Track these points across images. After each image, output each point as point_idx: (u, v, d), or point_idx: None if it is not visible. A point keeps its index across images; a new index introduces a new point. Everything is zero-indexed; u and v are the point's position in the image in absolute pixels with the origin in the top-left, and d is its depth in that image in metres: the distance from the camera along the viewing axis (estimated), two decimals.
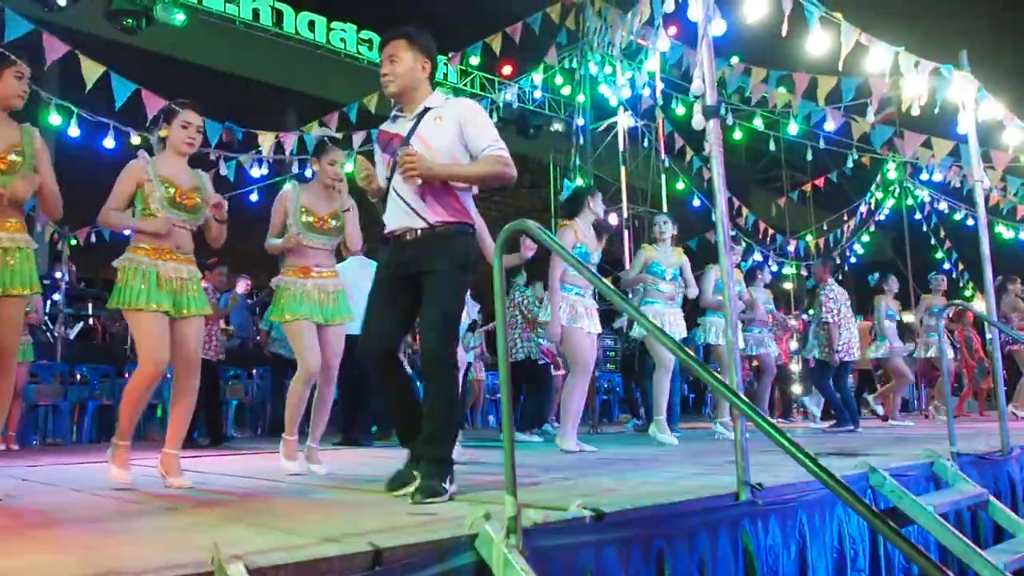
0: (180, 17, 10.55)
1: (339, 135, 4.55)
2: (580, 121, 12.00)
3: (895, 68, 5.69)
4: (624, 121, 11.35)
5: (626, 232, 10.74)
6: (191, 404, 3.65)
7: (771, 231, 14.67)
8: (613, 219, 11.78)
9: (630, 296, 6.17)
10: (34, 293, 3.24)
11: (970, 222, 12.16)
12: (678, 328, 6.18)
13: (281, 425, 4.25)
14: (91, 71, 7.18)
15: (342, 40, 12.81)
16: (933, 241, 15.56)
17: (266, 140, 9.41)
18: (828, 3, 5.54)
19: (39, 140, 3.33)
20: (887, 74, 5.73)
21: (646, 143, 12.63)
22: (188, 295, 3.59)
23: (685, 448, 5.46)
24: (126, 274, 3.47)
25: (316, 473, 4.05)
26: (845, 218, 15.61)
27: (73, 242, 10.41)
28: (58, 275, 10.44)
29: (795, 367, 12.10)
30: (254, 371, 9.96)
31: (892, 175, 14.35)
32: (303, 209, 4.19)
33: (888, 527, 1.64)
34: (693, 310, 7.23)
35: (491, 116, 12.13)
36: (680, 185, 12.70)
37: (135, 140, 7.86)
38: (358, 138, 9.81)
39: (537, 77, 11.92)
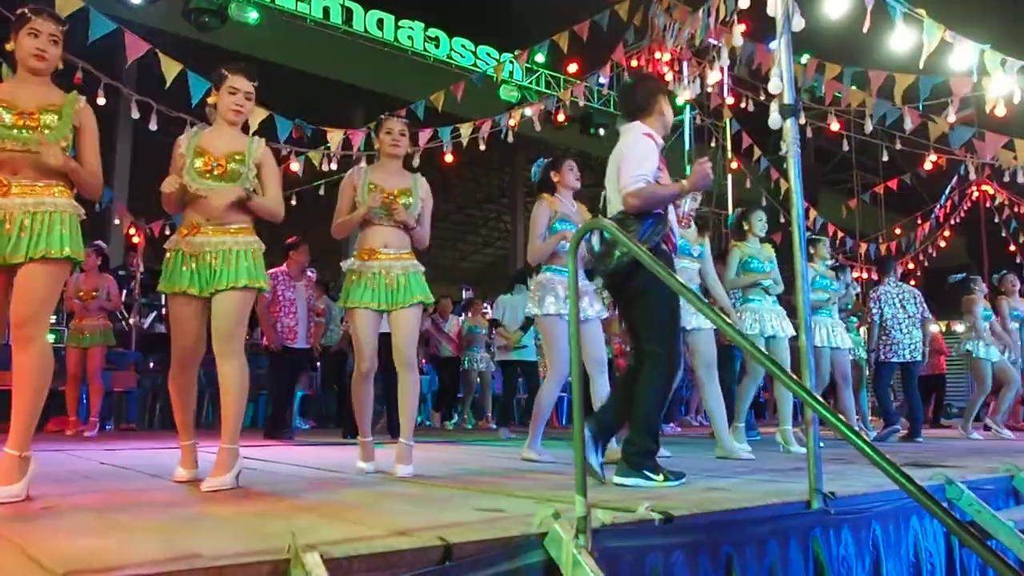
0: (253, 15, 10.81)
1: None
2: None
3: (980, 66, 5.50)
4: (690, 119, 11.24)
5: None
6: (236, 394, 3.25)
7: (840, 234, 14.36)
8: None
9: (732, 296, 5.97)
10: (70, 258, 2.85)
11: None
12: (785, 326, 5.92)
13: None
14: (170, 68, 7.38)
15: (409, 38, 12.96)
16: (1012, 246, 15.02)
17: (334, 136, 9.55)
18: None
19: (82, 104, 3.07)
20: (974, 73, 5.54)
21: (713, 142, 12.48)
22: (218, 268, 3.25)
23: (755, 453, 5.36)
24: (167, 254, 3.33)
25: (395, 473, 3.78)
26: (919, 221, 15.19)
27: (148, 233, 10.72)
28: (133, 266, 10.78)
29: (866, 371, 11.80)
30: (317, 363, 10.13)
31: (971, 177, 13.88)
32: (371, 186, 3.94)
33: (975, 539, 1.59)
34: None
35: (557, 114, 12.19)
36: (748, 185, 12.52)
37: None
38: (424, 135, 9.89)
39: (604, 75, 11.85)
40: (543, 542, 2.04)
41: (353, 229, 4.00)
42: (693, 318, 5.09)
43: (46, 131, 2.90)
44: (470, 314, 10.41)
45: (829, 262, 7.13)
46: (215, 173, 3.30)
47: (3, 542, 1.92)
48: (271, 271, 6.86)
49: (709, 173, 3.44)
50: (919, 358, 7.65)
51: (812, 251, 6.71)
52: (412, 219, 3.97)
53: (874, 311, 7.69)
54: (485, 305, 10.89)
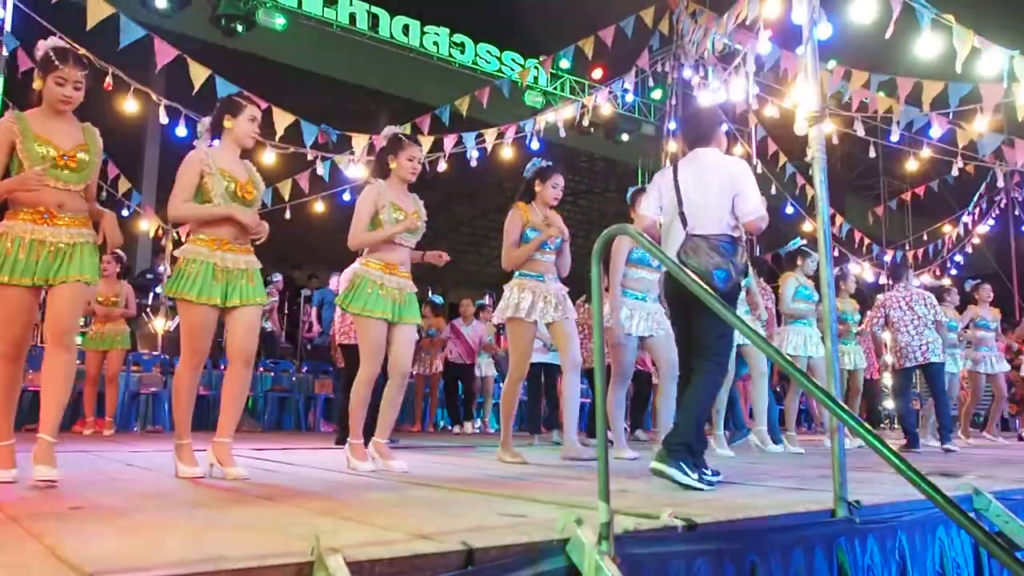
0: (280, 21, 10.91)
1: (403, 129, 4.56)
2: (672, 125, 11.88)
3: (1010, 72, 5.43)
4: None
5: None
6: (243, 393, 3.68)
7: (867, 240, 14.22)
8: None
9: None
10: (92, 283, 3.27)
11: None
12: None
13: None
14: (198, 74, 7.46)
15: (435, 44, 13.02)
16: None
17: (359, 141, 9.61)
18: (938, 4, 5.32)
19: (98, 137, 3.40)
20: (1004, 79, 5.47)
21: (738, 147, 12.41)
22: (240, 285, 3.59)
23: (778, 461, 5.33)
24: (186, 264, 3.51)
25: (393, 470, 4.02)
26: (946, 228, 15.02)
27: (175, 237, 10.82)
28: (160, 269, 10.90)
29: (888, 381, 11.69)
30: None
31: (1000, 184, 13.70)
32: (394, 205, 4.19)
33: (1003, 550, 1.57)
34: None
35: (582, 120, 12.17)
36: (773, 191, 12.43)
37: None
38: (449, 140, 9.92)
39: (629, 81, 11.84)
40: (565, 548, 2.03)
41: (374, 244, 4.22)
42: (642, 325, 5.33)
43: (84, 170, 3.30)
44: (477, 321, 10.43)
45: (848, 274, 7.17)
46: (244, 198, 3.63)
47: (31, 542, 1.95)
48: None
49: None
50: (934, 359, 7.21)
51: (800, 263, 6.74)
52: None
53: (876, 319, 7.53)
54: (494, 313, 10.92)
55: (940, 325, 7.42)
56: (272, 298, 10.99)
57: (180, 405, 3.62)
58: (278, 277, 11.31)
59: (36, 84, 3.26)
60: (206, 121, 3.80)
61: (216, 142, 3.75)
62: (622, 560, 1.99)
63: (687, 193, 3.76)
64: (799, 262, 6.81)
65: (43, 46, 3.25)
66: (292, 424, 10.10)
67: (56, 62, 3.19)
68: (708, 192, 3.71)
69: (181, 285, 3.49)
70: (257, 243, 3.71)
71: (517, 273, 4.96)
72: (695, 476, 3.40)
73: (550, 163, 5.07)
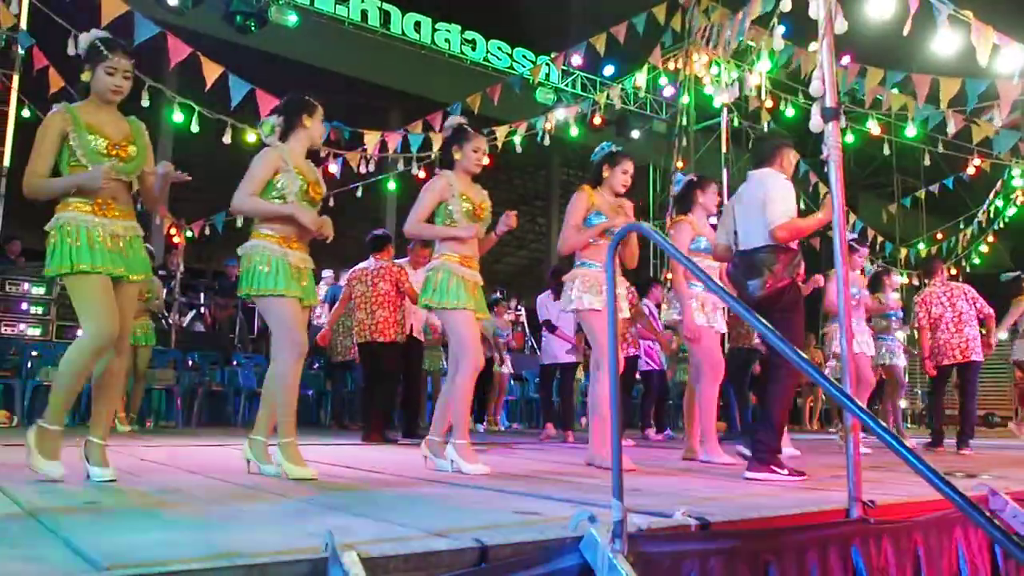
0: (292, 18, 10.93)
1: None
2: (684, 122, 11.85)
3: None
4: (728, 122, 11.16)
5: None
6: (296, 390, 3.54)
7: (880, 238, 14.14)
8: (713, 221, 11.58)
9: None
10: (147, 279, 3.35)
11: None
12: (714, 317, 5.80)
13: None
14: (211, 71, 7.48)
15: (447, 41, 13.02)
16: None
17: (371, 139, 9.61)
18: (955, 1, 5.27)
19: (145, 131, 3.39)
20: (1015, 76, 5.41)
21: (750, 144, 12.37)
22: (310, 285, 3.61)
23: (792, 460, 5.29)
24: (262, 261, 3.45)
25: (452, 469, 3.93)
26: (961, 226, 14.91)
27: (188, 234, 10.85)
28: (173, 265, 10.93)
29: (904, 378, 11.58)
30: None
31: (1016, 181, 13.57)
32: (463, 196, 4.10)
33: (1022, 551, 1.55)
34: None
35: (593, 116, 12.15)
36: None
37: (251, 138, 8.17)
38: None
39: (640, 77, 11.80)
40: (579, 546, 2.03)
41: (440, 238, 4.14)
42: (714, 317, 5.11)
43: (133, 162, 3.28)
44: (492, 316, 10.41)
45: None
46: (313, 199, 3.62)
47: (48, 536, 1.96)
48: (403, 262, 6.87)
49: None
50: (975, 357, 6.96)
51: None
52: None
53: (920, 315, 7.28)
54: (511, 308, 10.89)
55: (991, 319, 7.16)
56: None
57: (291, 396, 3.50)
58: (328, 273, 11.04)
59: (84, 76, 3.22)
60: (274, 119, 3.74)
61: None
62: (635, 558, 1.98)
63: (736, 211, 4.08)
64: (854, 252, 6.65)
65: (87, 37, 3.22)
66: (304, 420, 10.10)
67: (105, 52, 3.17)
68: (753, 207, 3.94)
69: (266, 282, 3.42)
70: (327, 242, 3.63)
71: (579, 262, 4.59)
72: (785, 472, 3.73)
73: (619, 148, 4.76)
